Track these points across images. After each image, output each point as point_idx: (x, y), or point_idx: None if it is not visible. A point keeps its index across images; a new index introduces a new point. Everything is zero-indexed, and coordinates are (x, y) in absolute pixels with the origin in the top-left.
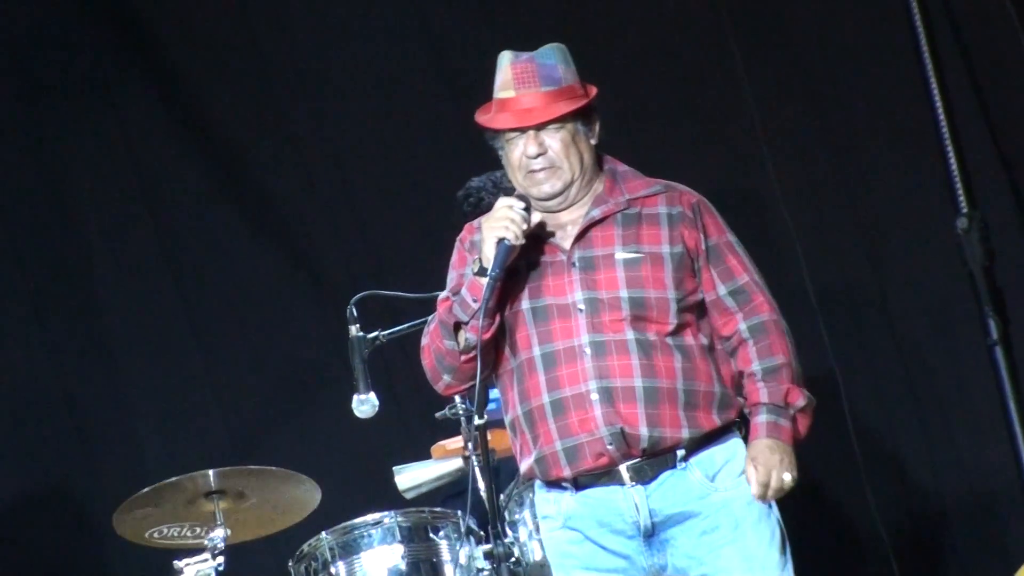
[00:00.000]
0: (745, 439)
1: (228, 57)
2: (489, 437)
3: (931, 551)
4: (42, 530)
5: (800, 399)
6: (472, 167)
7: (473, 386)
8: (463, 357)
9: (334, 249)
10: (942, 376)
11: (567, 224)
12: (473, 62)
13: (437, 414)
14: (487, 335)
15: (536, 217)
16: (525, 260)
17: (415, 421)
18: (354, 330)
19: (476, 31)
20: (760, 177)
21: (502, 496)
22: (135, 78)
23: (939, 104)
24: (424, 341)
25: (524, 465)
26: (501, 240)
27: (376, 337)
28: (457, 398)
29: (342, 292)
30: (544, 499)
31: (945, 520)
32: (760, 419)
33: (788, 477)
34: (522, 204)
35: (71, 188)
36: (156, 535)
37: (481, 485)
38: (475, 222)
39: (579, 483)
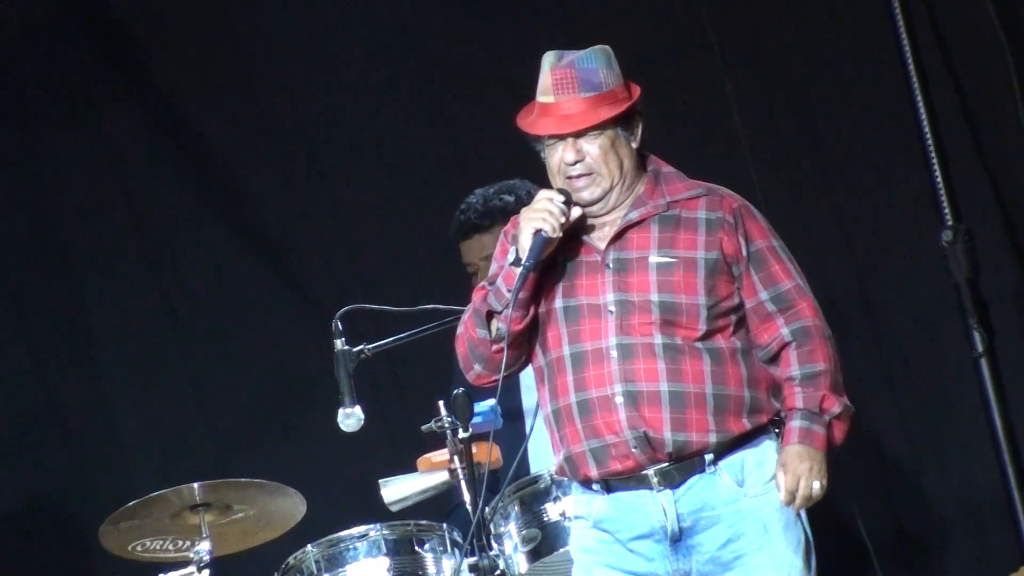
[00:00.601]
0: (777, 438)
1: (214, 71)
2: (474, 449)
3: (916, 560)
4: (28, 543)
5: (836, 406)
6: (459, 181)
7: (506, 378)
8: (494, 347)
9: (320, 263)
10: (927, 387)
11: (606, 225)
12: (459, 72)
13: (423, 427)
14: (518, 327)
15: (576, 212)
16: (563, 256)
17: (400, 434)
18: (339, 344)
19: (461, 39)
20: (744, 188)
21: (487, 509)
22: (120, 92)
23: (924, 116)
24: (459, 330)
25: (556, 463)
26: (538, 231)
27: (361, 351)
28: (443, 410)
29: (327, 306)
30: (578, 500)
31: (930, 530)
32: (793, 424)
33: (817, 485)
34: (562, 197)
35: (57, 201)
36: (139, 548)
37: (467, 498)
38: (520, 214)
39: (610, 485)
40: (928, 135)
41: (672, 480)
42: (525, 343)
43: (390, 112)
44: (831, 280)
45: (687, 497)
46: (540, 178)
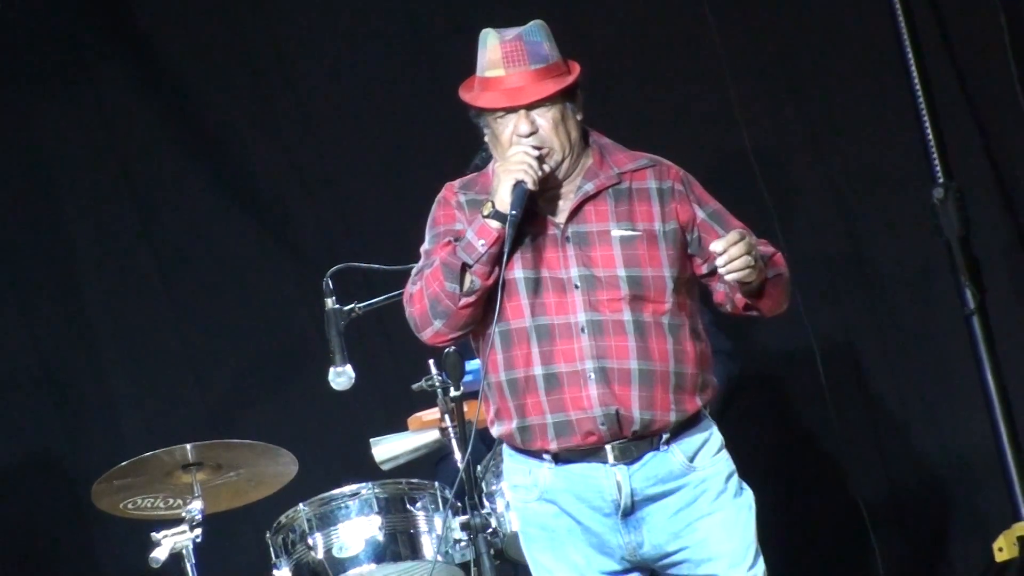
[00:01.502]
0: (712, 417)
1: (206, 34)
2: (465, 408)
3: (909, 520)
4: (22, 503)
5: (781, 268)
6: (448, 141)
7: (458, 339)
8: (462, 301)
9: (310, 222)
10: (919, 345)
11: (559, 199)
12: (450, 36)
13: (414, 385)
14: (490, 281)
15: (547, 168)
16: (519, 230)
17: (392, 393)
18: (330, 302)
19: (454, 6)
20: (736, 148)
21: (479, 467)
22: (112, 57)
23: (915, 73)
24: (412, 288)
25: (501, 428)
26: (518, 183)
27: (352, 309)
28: (434, 369)
29: (318, 265)
30: (516, 468)
31: (923, 489)
32: None
33: (752, 261)
34: (536, 152)
35: (50, 167)
36: (131, 506)
37: (458, 456)
38: (453, 183)
39: (559, 457)
40: (919, 92)
41: (629, 455)
42: (482, 304)
43: (383, 73)
44: (824, 240)
45: (641, 472)
46: None
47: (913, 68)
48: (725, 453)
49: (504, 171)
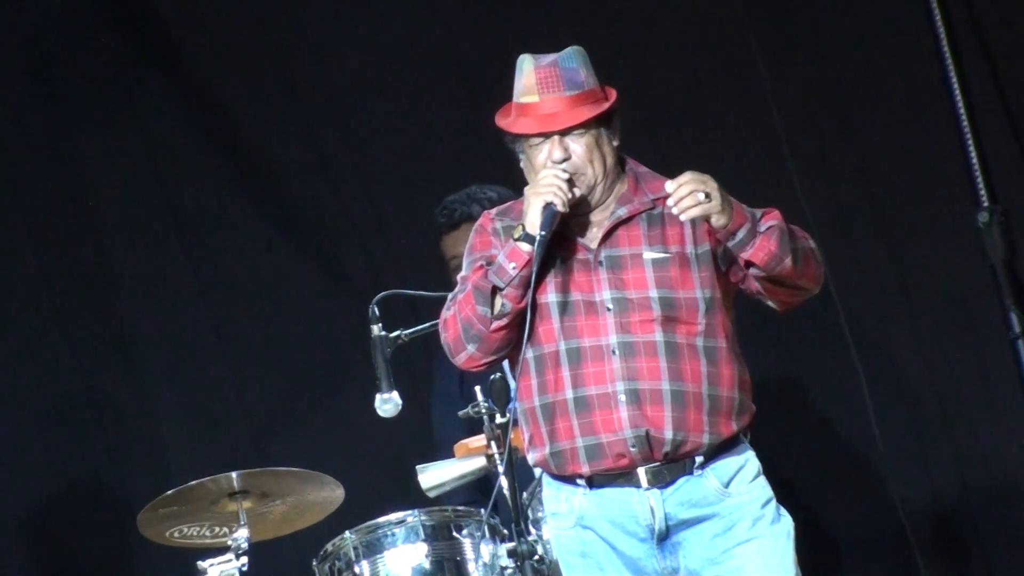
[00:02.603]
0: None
1: (248, 54)
2: (512, 435)
3: (955, 543)
4: (68, 532)
5: (773, 220)
6: (491, 165)
7: (492, 363)
8: (494, 325)
9: (356, 249)
10: (964, 369)
11: (592, 224)
12: (491, 60)
13: (460, 412)
14: (519, 305)
15: (576, 193)
16: (552, 253)
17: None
18: (376, 329)
19: (494, 28)
20: (780, 174)
21: (525, 494)
22: (152, 72)
23: (959, 98)
24: (447, 313)
25: (535, 456)
26: (548, 205)
27: (398, 336)
28: (480, 396)
29: (364, 292)
30: (554, 496)
31: (968, 511)
32: None
33: (701, 195)
34: (566, 174)
35: (92, 192)
36: (176, 535)
37: (504, 483)
38: (490, 211)
39: (593, 481)
40: (963, 116)
41: (662, 480)
42: (516, 328)
43: (426, 94)
44: (867, 264)
45: (675, 496)
46: None
47: (957, 91)
48: (763, 479)
49: (534, 194)
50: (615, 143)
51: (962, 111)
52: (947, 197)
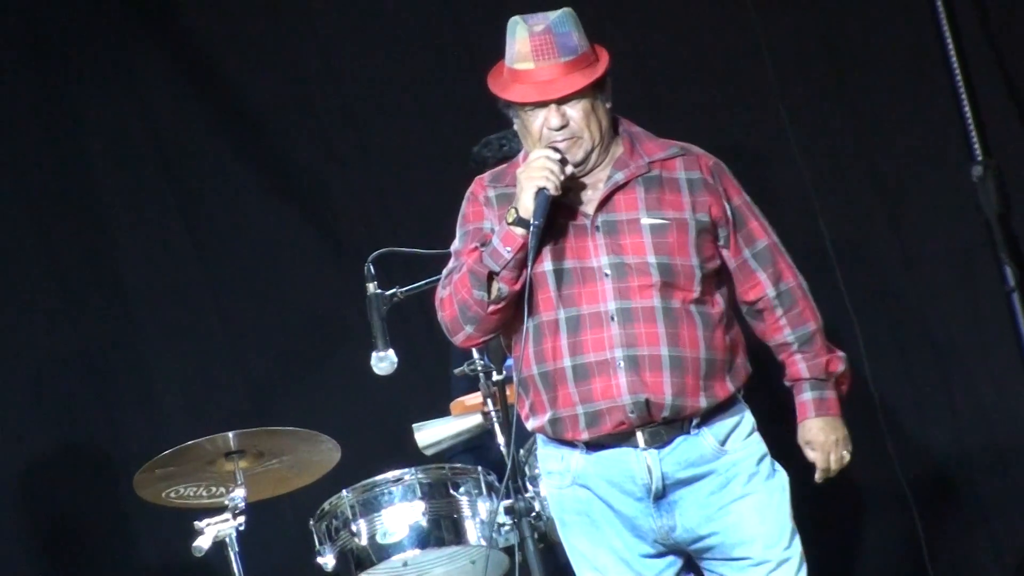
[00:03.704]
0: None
1: (244, 23)
2: (508, 392)
3: (953, 501)
4: (65, 493)
5: (840, 364)
6: (486, 124)
7: (490, 340)
8: (491, 308)
9: (351, 207)
10: (962, 325)
11: (588, 188)
12: (487, 20)
13: (456, 370)
14: (515, 287)
15: (568, 170)
16: (547, 221)
17: (434, 377)
18: (372, 287)
19: None
20: (776, 132)
21: (522, 451)
22: (150, 38)
23: (953, 52)
24: (443, 293)
25: (534, 423)
26: (541, 190)
27: (394, 294)
28: (475, 353)
29: (359, 249)
30: (549, 455)
31: (967, 470)
32: (806, 396)
33: (846, 455)
34: (558, 155)
35: (90, 158)
36: (173, 495)
37: (501, 440)
38: (484, 176)
39: (591, 444)
40: (957, 70)
41: (659, 439)
42: (513, 306)
43: (420, 55)
44: (862, 219)
45: (672, 456)
46: None
47: (951, 46)
48: (757, 436)
49: (527, 178)
50: (608, 105)
51: (956, 65)
52: (942, 151)
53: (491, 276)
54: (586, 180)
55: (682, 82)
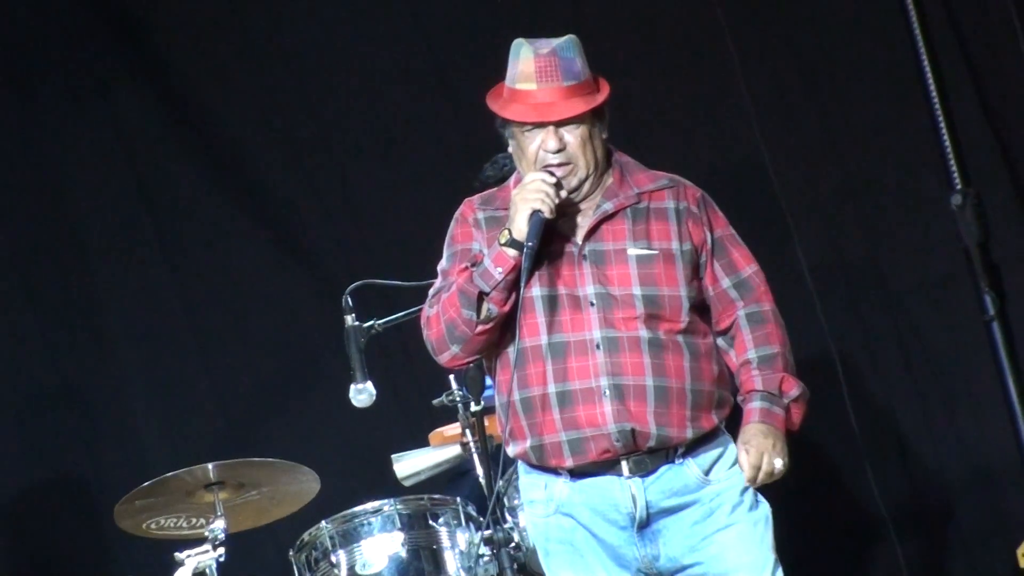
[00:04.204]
0: (731, 432)
1: (222, 51)
2: (487, 423)
3: (933, 527)
4: (45, 523)
5: (794, 388)
6: (464, 157)
7: (474, 361)
8: (478, 328)
9: (329, 239)
10: (940, 352)
11: (579, 216)
12: (466, 53)
13: (434, 401)
14: (506, 308)
15: (563, 194)
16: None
17: (412, 409)
18: (350, 320)
19: (468, 21)
20: (752, 155)
21: (500, 482)
22: (129, 72)
23: (931, 80)
24: (430, 311)
25: (515, 448)
26: (536, 212)
27: (372, 326)
28: (454, 384)
29: (337, 282)
30: (532, 483)
31: (946, 496)
32: (754, 405)
33: (779, 463)
34: (553, 179)
35: (67, 181)
36: (153, 526)
37: (480, 471)
38: (473, 199)
39: (575, 472)
40: (936, 100)
41: (644, 468)
42: (499, 328)
43: (398, 87)
44: (841, 247)
45: (657, 485)
46: None
47: (929, 74)
48: (739, 467)
49: (521, 200)
50: (604, 136)
51: (934, 94)
52: (921, 181)
53: (481, 297)
54: (577, 208)
55: (657, 103)
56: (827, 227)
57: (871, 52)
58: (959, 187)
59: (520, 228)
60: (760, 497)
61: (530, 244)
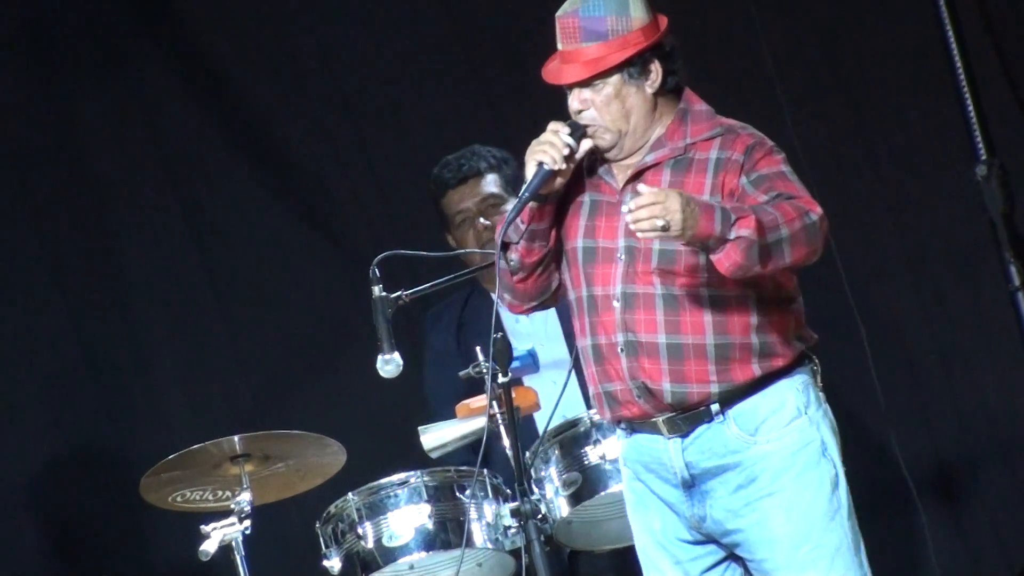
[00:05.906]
0: (812, 375)
1: (246, 21)
2: (513, 394)
3: (957, 497)
4: (71, 497)
5: (745, 230)
6: (490, 125)
7: (537, 307)
8: (514, 278)
9: (355, 210)
10: (965, 322)
11: (625, 168)
12: (489, 21)
13: (461, 372)
14: (529, 259)
15: (586, 145)
16: (587, 195)
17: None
18: (377, 290)
19: None
20: (776, 127)
21: (527, 453)
22: (153, 44)
23: (955, 50)
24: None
25: None
26: (540, 164)
27: (399, 296)
28: (480, 356)
29: (364, 253)
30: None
31: (971, 466)
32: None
33: (661, 223)
34: (567, 129)
35: (92, 154)
36: (179, 499)
37: (506, 443)
38: None
39: (631, 427)
40: (960, 69)
41: (679, 429)
42: (551, 274)
43: (423, 57)
44: (866, 219)
45: (695, 445)
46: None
47: (953, 45)
48: (802, 421)
49: (530, 152)
50: (650, 89)
51: (958, 63)
52: (945, 151)
53: (505, 247)
54: (625, 162)
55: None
56: (851, 198)
57: (896, 24)
58: (984, 158)
59: (527, 179)
60: (825, 458)
61: (523, 195)
